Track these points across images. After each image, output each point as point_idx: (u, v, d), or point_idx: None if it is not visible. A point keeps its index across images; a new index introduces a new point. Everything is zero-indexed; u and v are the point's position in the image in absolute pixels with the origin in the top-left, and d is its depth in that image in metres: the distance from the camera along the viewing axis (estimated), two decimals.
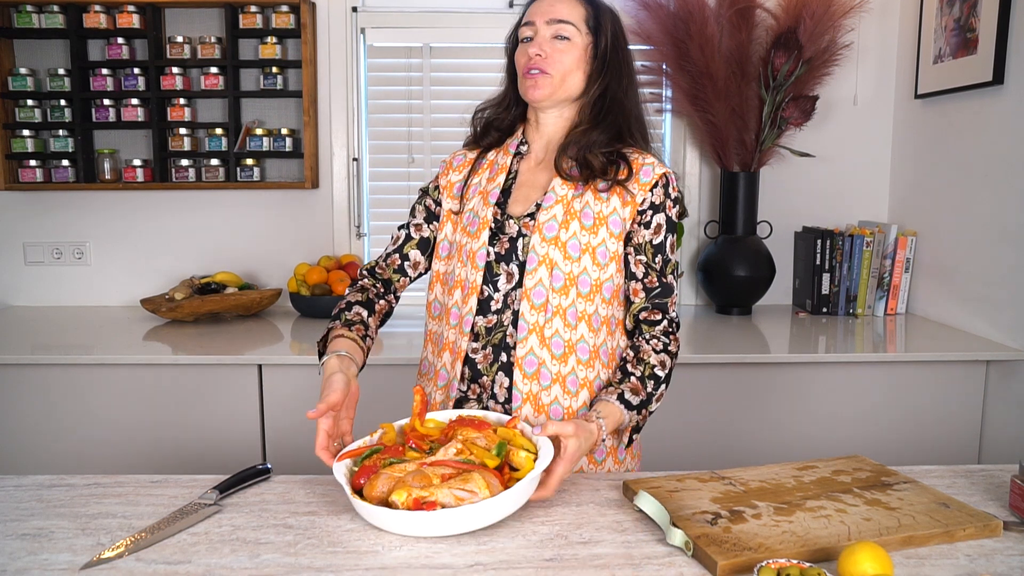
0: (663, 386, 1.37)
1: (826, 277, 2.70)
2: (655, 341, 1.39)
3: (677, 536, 1.05)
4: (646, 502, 1.11)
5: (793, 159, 2.79)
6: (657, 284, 1.41)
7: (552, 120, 1.45)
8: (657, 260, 1.41)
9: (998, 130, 2.24)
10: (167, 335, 2.40)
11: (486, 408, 1.40)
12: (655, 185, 1.40)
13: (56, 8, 2.57)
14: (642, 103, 1.49)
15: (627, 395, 1.33)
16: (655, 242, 1.40)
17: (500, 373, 1.39)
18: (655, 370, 1.36)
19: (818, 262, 2.69)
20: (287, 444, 2.20)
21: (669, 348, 1.40)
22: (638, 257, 1.41)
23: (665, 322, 1.41)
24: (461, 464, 1.10)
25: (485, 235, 1.40)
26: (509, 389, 1.38)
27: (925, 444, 2.25)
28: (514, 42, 1.47)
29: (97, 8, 2.56)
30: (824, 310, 2.71)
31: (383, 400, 2.19)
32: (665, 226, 1.41)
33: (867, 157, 2.84)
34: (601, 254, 1.38)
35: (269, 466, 1.30)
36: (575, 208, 1.38)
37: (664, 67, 2.67)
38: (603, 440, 1.31)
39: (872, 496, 1.19)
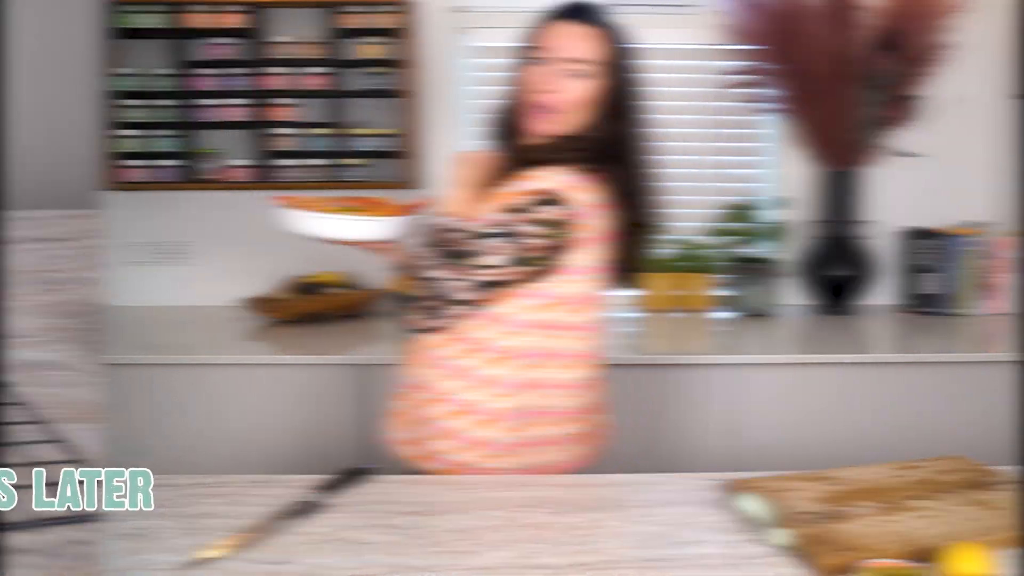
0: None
1: (928, 277, 2.67)
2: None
3: (782, 536, 1.05)
4: (750, 502, 1.12)
5: (897, 158, 2.76)
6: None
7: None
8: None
9: None
10: (270, 335, 2.40)
11: None
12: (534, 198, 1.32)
13: (160, 8, 2.58)
14: (650, 149, 1.44)
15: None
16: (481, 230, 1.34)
17: None
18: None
19: (920, 262, 2.66)
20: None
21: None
22: None
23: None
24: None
25: None
26: None
27: None
28: (526, 46, 1.42)
29: (200, 7, 2.56)
30: (927, 309, 2.68)
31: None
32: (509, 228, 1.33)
33: (971, 156, 2.77)
34: None
35: (373, 466, 1.30)
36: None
37: (768, 67, 2.65)
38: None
39: (976, 496, 1.18)
